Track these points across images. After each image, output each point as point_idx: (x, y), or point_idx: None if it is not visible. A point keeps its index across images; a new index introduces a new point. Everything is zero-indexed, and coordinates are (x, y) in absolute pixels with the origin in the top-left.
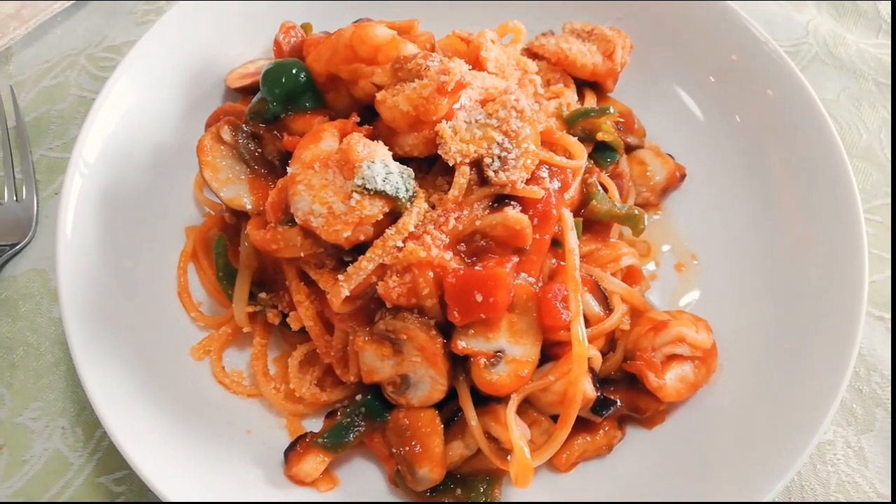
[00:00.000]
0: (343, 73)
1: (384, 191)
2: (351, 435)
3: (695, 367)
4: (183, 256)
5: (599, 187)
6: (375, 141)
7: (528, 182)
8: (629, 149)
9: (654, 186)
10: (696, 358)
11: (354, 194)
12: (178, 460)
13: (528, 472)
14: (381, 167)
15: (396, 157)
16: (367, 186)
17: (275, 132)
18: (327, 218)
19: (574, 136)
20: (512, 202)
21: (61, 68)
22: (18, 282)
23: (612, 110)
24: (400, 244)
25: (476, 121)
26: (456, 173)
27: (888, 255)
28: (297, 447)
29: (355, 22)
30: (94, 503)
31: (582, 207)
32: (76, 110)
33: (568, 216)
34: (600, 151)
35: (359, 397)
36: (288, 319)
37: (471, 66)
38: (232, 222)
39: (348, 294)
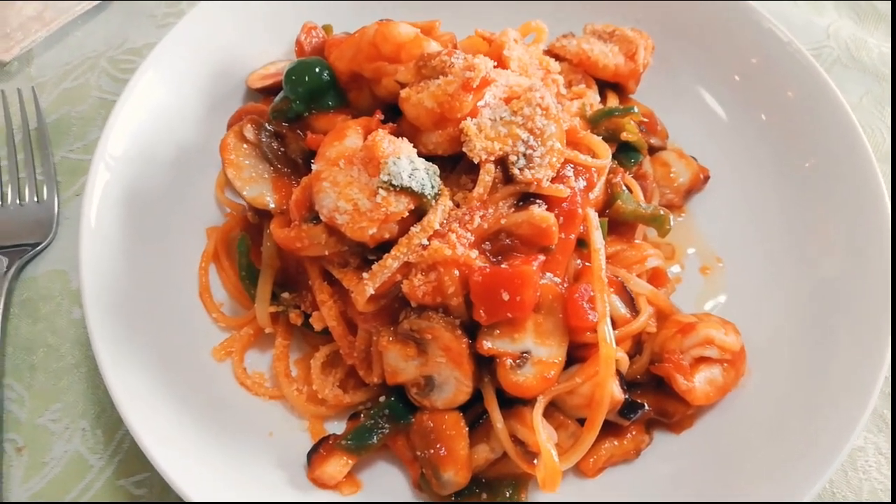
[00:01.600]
0: (366, 72)
1: (410, 187)
2: (374, 437)
3: (724, 371)
4: (204, 257)
5: (624, 187)
6: (400, 138)
7: (553, 181)
8: (652, 150)
9: (677, 188)
10: (724, 361)
11: (380, 191)
12: (201, 461)
13: (557, 475)
14: (407, 163)
15: (420, 156)
16: (394, 182)
17: (298, 131)
18: (353, 215)
19: (598, 136)
20: (537, 200)
21: (82, 70)
22: (39, 283)
23: (635, 110)
24: (425, 242)
25: (501, 118)
26: (481, 171)
27: None
28: (320, 449)
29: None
30: None
31: (607, 208)
32: (97, 112)
33: (593, 216)
34: (624, 152)
35: (382, 399)
36: (311, 320)
37: (495, 64)
38: (255, 222)
39: (373, 292)
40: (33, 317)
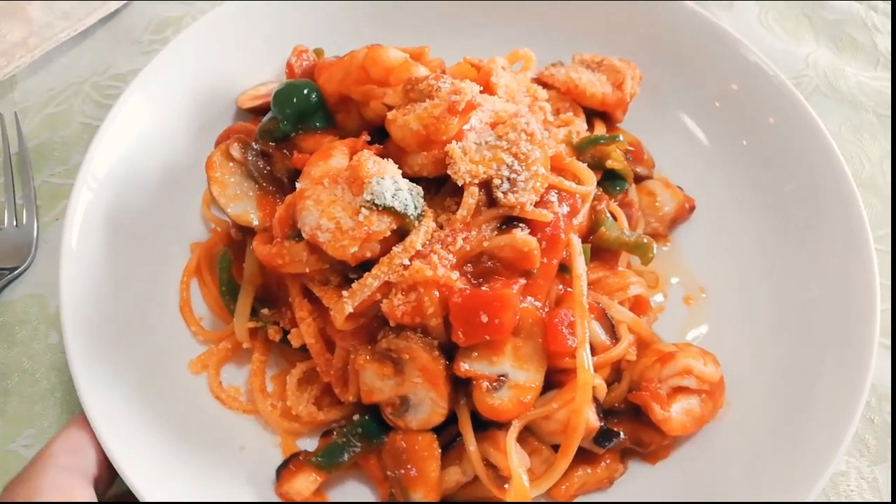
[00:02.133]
0: (355, 94)
1: (393, 207)
2: (346, 455)
3: (702, 401)
4: (186, 271)
5: (609, 214)
6: (386, 159)
7: (536, 205)
8: (638, 179)
9: (662, 217)
10: (703, 392)
11: (363, 210)
12: (172, 476)
13: (526, 500)
14: (391, 183)
15: (405, 177)
16: (377, 202)
17: (284, 150)
18: (334, 233)
19: (583, 163)
20: (520, 224)
21: (66, 95)
22: (16, 307)
23: (621, 138)
24: (406, 262)
25: (486, 142)
26: (465, 193)
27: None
28: (290, 465)
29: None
30: None
31: (590, 234)
32: (80, 137)
33: (576, 241)
34: (609, 180)
35: (356, 417)
36: (289, 336)
37: (482, 89)
38: (238, 238)
39: (352, 311)
40: (9, 341)
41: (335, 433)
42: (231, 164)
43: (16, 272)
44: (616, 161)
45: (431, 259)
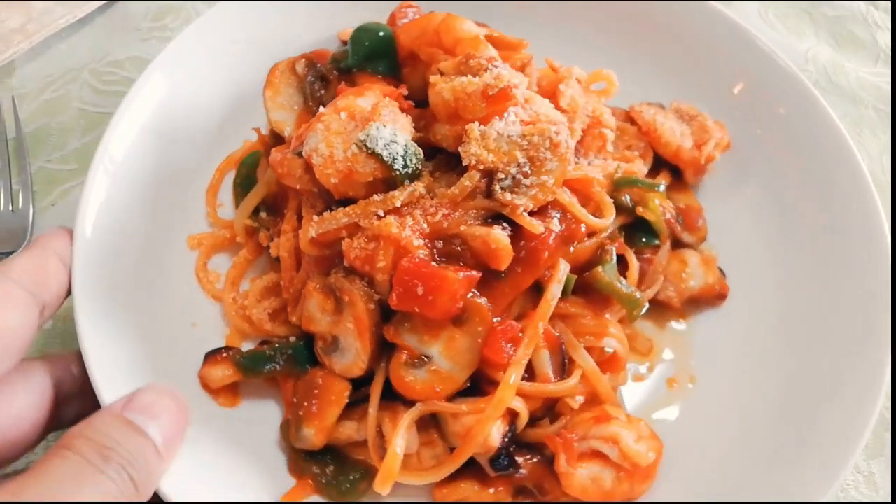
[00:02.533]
0: (422, 54)
1: (381, 155)
2: (266, 367)
3: (615, 477)
4: (226, 162)
5: (614, 257)
6: (405, 115)
7: (534, 215)
8: (678, 244)
9: (682, 290)
10: (622, 469)
11: (353, 147)
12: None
13: (390, 478)
14: (389, 134)
15: (428, 145)
16: (367, 144)
17: (343, 82)
18: (326, 160)
19: (615, 200)
20: (504, 224)
21: (63, 81)
22: None
23: (661, 187)
24: (381, 214)
25: (509, 136)
26: (465, 175)
27: None
28: (217, 354)
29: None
30: None
31: (585, 269)
32: (77, 122)
33: (563, 267)
34: (641, 230)
35: (293, 339)
36: (271, 244)
37: (536, 90)
38: (271, 145)
39: (314, 236)
40: None
41: (268, 345)
42: (292, 76)
43: (10, 256)
44: (650, 212)
45: (405, 220)
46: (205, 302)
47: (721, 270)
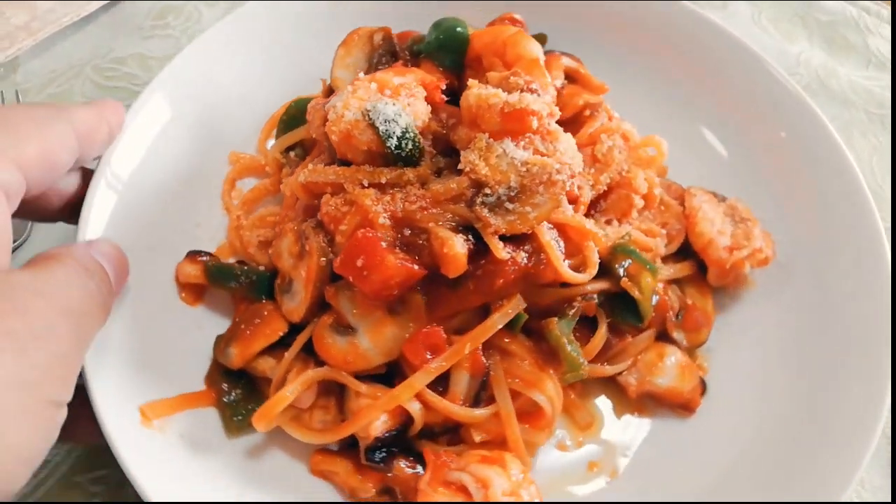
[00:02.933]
0: (485, 61)
1: (377, 128)
2: (229, 282)
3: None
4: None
5: (576, 315)
6: (427, 105)
7: (509, 242)
8: (663, 336)
9: (643, 381)
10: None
11: (359, 113)
12: None
13: (268, 416)
14: (393, 112)
15: (447, 143)
16: (370, 115)
17: (408, 63)
18: (336, 118)
19: (607, 264)
20: (471, 237)
21: (67, 77)
22: None
23: (655, 267)
24: (365, 184)
25: (512, 158)
26: (456, 178)
27: None
28: (198, 254)
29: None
30: None
31: (544, 316)
32: None
33: (516, 303)
34: (623, 306)
35: (262, 268)
36: (283, 180)
37: (564, 129)
38: (328, 96)
39: (303, 182)
40: None
41: (238, 266)
42: (367, 44)
43: (12, 248)
44: (635, 289)
45: (384, 197)
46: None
47: (703, 384)
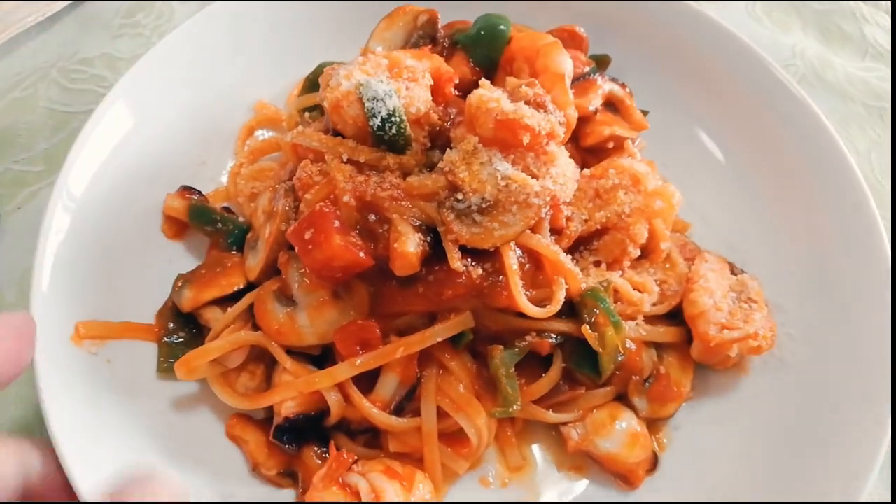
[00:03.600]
0: (515, 64)
1: (364, 105)
2: (202, 224)
3: None
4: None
5: (522, 350)
6: (427, 93)
7: (470, 254)
8: (623, 398)
9: (584, 439)
10: None
11: (352, 85)
12: None
13: (187, 366)
14: (383, 92)
15: (448, 141)
16: (361, 90)
17: (443, 53)
18: (336, 86)
19: (578, 307)
20: (429, 238)
21: (32, 80)
22: None
23: (620, 322)
24: (345, 158)
25: (496, 170)
26: (433, 176)
27: None
28: (188, 190)
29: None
30: None
31: (491, 342)
32: (45, 123)
33: (462, 320)
34: (586, 352)
35: (241, 220)
36: (297, 131)
37: (570, 155)
38: None
39: (290, 142)
40: None
41: (221, 214)
42: (410, 24)
43: None
44: (595, 341)
45: (359, 177)
46: None
47: (655, 460)
